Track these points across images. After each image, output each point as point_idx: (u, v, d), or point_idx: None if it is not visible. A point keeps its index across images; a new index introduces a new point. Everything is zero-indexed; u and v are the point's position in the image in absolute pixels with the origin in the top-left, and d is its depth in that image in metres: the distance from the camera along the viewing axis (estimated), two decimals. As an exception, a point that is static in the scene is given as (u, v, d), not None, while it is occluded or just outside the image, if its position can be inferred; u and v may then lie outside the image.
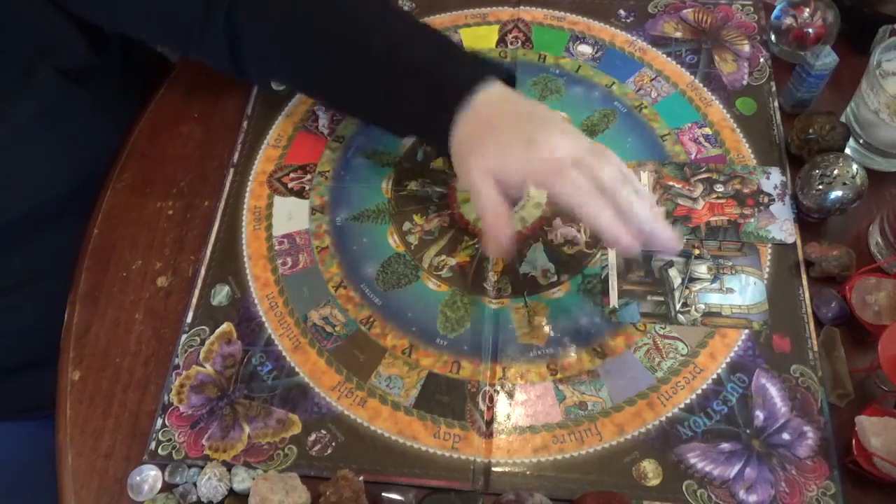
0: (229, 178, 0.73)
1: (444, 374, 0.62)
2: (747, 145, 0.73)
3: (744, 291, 0.65)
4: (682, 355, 0.62)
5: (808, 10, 0.75)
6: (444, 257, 0.68)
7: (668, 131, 0.74)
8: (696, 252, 0.67)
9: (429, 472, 0.57)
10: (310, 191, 0.72)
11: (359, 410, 0.60)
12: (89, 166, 0.72)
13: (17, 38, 0.62)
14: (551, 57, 0.80)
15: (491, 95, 0.57)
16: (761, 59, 0.79)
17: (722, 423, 0.59)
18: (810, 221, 0.67)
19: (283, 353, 0.63)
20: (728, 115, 0.75)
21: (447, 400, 0.61)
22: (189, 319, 0.65)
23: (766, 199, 0.69)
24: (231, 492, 0.57)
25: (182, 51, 0.73)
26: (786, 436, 0.58)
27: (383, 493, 0.56)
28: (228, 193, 0.72)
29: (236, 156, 0.75)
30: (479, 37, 0.82)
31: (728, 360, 0.62)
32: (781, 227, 0.68)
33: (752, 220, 0.68)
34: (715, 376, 0.61)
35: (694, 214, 0.69)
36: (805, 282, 0.65)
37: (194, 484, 0.57)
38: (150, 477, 0.58)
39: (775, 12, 0.77)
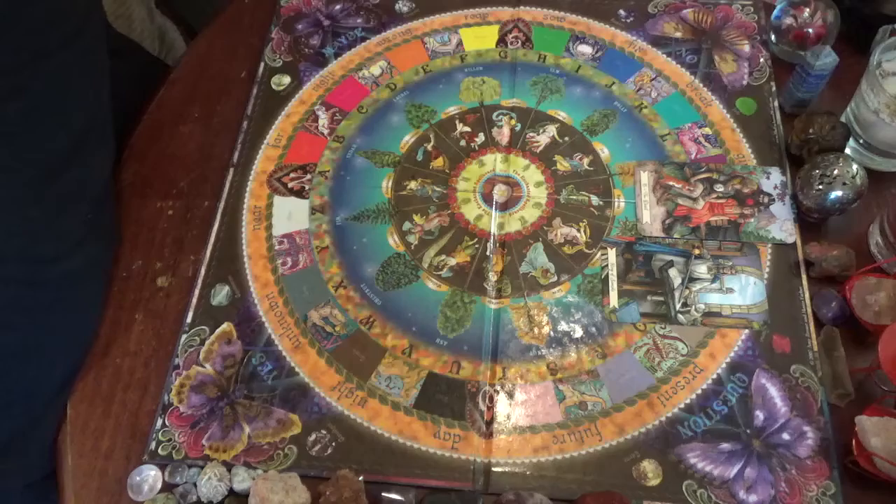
0: (229, 178, 0.73)
1: (444, 374, 0.62)
2: (747, 145, 0.73)
3: (744, 291, 0.65)
4: (682, 355, 0.62)
5: (808, 10, 0.75)
6: (444, 257, 0.68)
7: (668, 131, 0.74)
8: (696, 252, 0.67)
9: (429, 472, 0.57)
10: (310, 191, 0.72)
11: (359, 410, 0.60)
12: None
13: None
14: (551, 57, 0.80)
15: None
16: (761, 59, 0.79)
17: (722, 423, 0.59)
18: (810, 221, 0.67)
19: (283, 353, 0.63)
20: (728, 115, 0.75)
21: (447, 400, 0.61)
22: (189, 319, 0.65)
23: (766, 199, 0.69)
24: (231, 492, 0.57)
25: None
26: (786, 436, 0.58)
27: (383, 493, 0.56)
28: (228, 193, 0.72)
29: (236, 156, 0.75)
30: (479, 37, 0.82)
31: (728, 360, 0.62)
32: (781, 227, 0.68)
33: (752, 220, 0.68)
34: (715, 376, 0.61)
35: (694, 214, 0.69)
36: (805, 282, 0.65)
37: (194, 484, 0.57)
38: (150, 477, 0.58)
39: (775, 12, 0.77)
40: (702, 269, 0.66)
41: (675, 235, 0.68)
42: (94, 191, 0.65)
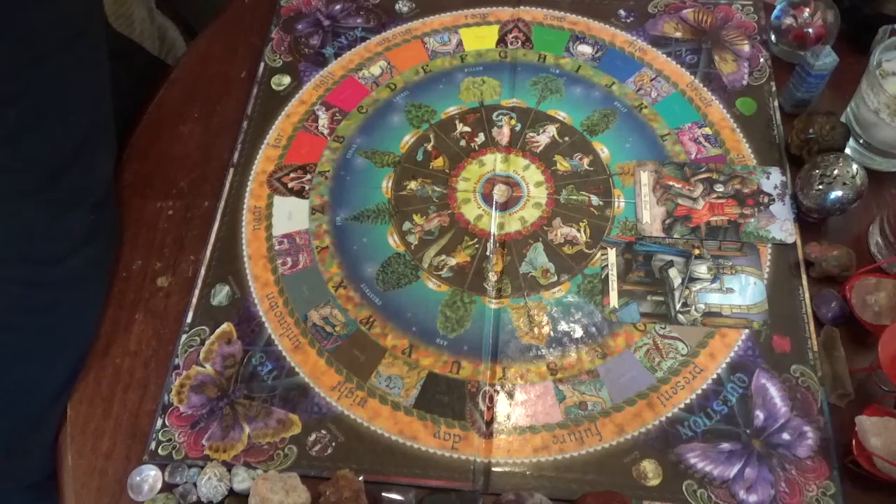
0: (229, 178, 0.73)
1: (444, 374, 0.62)
2: (747, 145, 0.73)
3: (744, 291, 0.65)
4: (682, 355, 0.62)
5: (808, 10, 0.75)
6: (444, 257, 0.68)
7: (668, 131, 0.74)
8: (696, 252, 0.67)
9: (429, 472, 0.57)
10: (310, 191, 0.72)
11: (359, 410, 0.60)
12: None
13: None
14: (551, 57, 0.80)
15: None
16: (761, 59, 0.79)
17: (722, 423, 0.59)
18: (810, 221, 0.67)
19: (283, 353, 0.63)
20: (728, 115, 0.75)
21: (447, 400, 0.61)
22: (189, 319, 0.65)
23: (766, 199, 0.69)
24: (231, 492, 0.57)
25: None
26: (786, 436, 0.58)
27: (383, 493, 0.56)
28: (228, 193, 0.72)
29: (236, 156, 0.75)
30: (479, 37, 0.82)
31: (728, 360, 0.62)
32: (781, 227, 0.68)
33: (752, 220, 0.68)
34: (715, 376, 0.61)
35: (694, 214, 0.69)
36: (805, 282, 0.65)
37: (194, 484, 0.57)
38: (150, 477, 0.58)
39: (775, 12, 0.77)
40: (702, 269, 0.66)
41: (675, 235, 0.68)
42: (96, 192, 0.65)
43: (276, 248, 0.69)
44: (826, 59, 0.69)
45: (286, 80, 0.80)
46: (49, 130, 0.59)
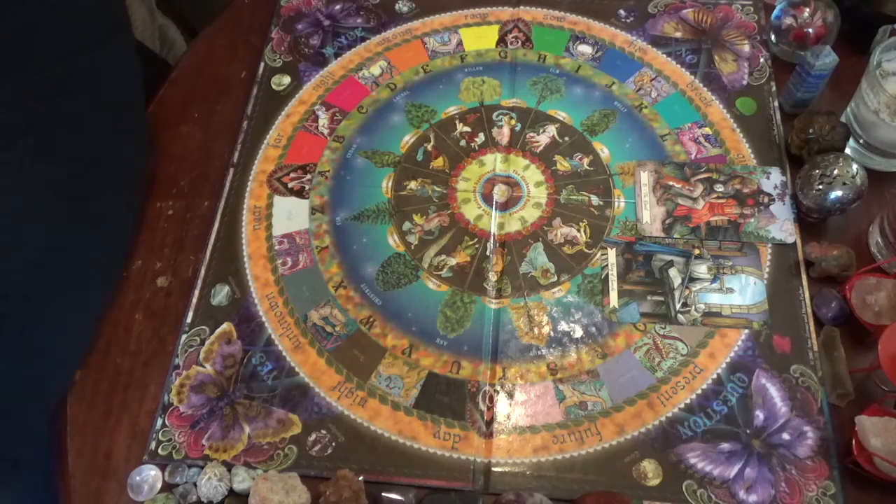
0: (229, 178, 0.73)
1: (444, 374, 0.62)
2: (747, 145, 0.73)
3: (744, 291, 0.65)
4: (682, 355, 0.62)
5: (808, 10, 0.75)
6: (444, 257, 0.68)
7: (668, 131, 0.74)
8: (696, 252, 0.67)
9: (429, 472, 0.57)
10: (310, 191, 0.72)
11: (359, 410, 0.60)
12: None
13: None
14: (551, 57, 0.80)
15: None
16: (761, 59, 0.79)
17: (722, 423, 0.59)
18: (810, 221, 0.67)
19: (283, 353, 0.63)
20: (728, 115, 0.75)
21: (447, 400, 0.61)
22: (189, 319, 0.65)
23: (766, 199, 0.69)
24: (231, 492, 0.57)
25: None
26: (786, 436, 0.58)
27: (383, 493, 0.56)
28: (228, 193, 0.72)
29: (236, 156, 0.75)
30: (479, 37, 0.82)
31: (728, 360, 0.62)
32: (781, 227, 0.68)
33: (752, 220, 0.68)
34: (715, 376, 0.61)
35: (694, 214, 0.69)
36: (805, 282, 0.65)
37: (194, 484, 0.57)
38: (150, 477, 0.58)
39: (775, 12, 0.77)
40: (702, 269, 0.66)
41: (675, 235, 0.68)
42: (125, 184, 0.65)
43: (276, 247, 0.69)
44: (826, 59, 0.69)
45: (286, 80, 0.80)
46: (89, 120, 0.59)
